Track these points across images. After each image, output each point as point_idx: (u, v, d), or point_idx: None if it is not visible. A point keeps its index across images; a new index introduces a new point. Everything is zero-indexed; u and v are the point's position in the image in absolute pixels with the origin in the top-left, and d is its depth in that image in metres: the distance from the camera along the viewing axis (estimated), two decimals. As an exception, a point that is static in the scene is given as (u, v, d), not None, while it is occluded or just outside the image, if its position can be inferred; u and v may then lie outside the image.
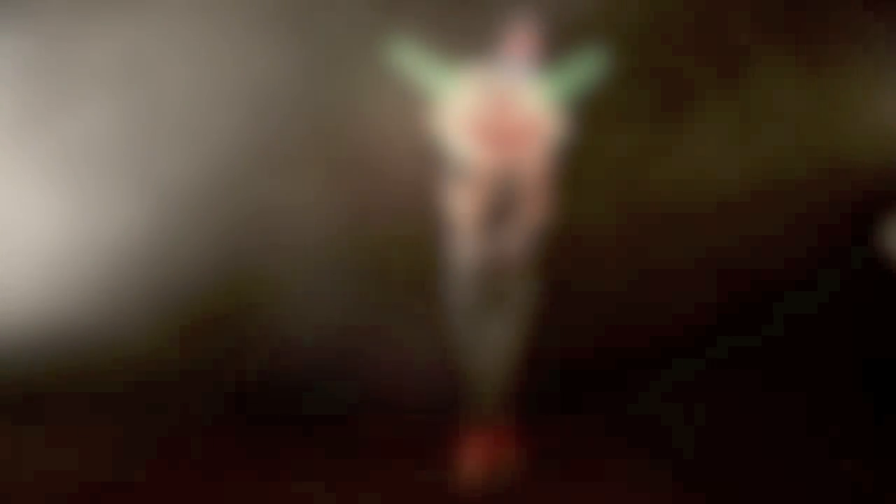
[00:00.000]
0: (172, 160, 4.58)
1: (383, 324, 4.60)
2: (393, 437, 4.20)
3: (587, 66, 3.17)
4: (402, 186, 3.93)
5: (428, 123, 3.05)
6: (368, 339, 4.61)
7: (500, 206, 3.14)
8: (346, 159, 4.62)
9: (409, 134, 4.32)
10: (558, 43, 3.10)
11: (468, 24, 4.58)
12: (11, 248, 4.57)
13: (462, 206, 3.15)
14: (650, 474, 3.68)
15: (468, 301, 3.19)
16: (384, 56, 3.01)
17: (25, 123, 4.53)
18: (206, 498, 3.39)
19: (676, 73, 4.61)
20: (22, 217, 4.56)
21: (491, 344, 3.24)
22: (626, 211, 4.75)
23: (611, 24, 4.30)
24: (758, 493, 3.44)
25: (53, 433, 4.22)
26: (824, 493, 3.43)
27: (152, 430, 4.38)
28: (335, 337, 4.62)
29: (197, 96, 4.57)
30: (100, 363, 4.57)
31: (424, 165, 3.19)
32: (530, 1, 3.09)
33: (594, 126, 4.70)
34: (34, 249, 4.57)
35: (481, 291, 3.17)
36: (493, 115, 2.95)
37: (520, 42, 3.06)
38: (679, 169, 4.72)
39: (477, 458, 3.24)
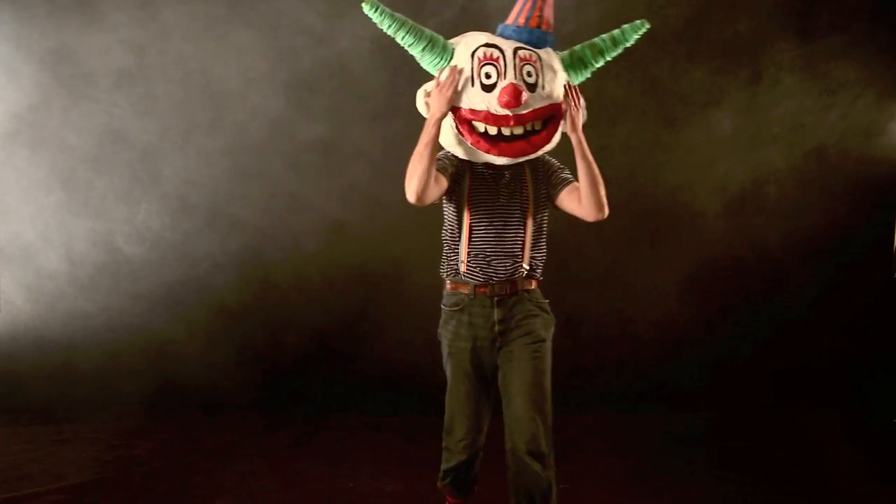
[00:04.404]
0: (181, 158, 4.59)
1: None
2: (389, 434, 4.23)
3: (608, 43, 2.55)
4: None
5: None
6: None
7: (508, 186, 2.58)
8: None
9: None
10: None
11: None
12: (26, 247, 4.58)
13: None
14: (649, 474, 3.68)
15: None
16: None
17: (36, 122, 4.53)
18: (220, 481, 3.41)
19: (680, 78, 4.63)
20: (35, 216, 4.58)
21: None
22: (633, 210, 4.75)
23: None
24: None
25: (73, 426, 4.25)
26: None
27: (170, 418, 4.43)
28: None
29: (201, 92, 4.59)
30: (120, 357, 4.59)
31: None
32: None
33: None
34: (48, 248, 4.58)
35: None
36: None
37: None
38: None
39: None
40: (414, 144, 2.46)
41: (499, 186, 2.59)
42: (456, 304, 2.60)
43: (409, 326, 4.61)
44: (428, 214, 4.37)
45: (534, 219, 2.61)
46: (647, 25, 2.57)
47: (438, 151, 2.53)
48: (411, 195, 2.44)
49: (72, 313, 4.61)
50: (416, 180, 2.42)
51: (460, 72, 2.45)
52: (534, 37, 2.50)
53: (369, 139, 4.61)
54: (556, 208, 2.65)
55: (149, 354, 4.61)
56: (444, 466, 2.67)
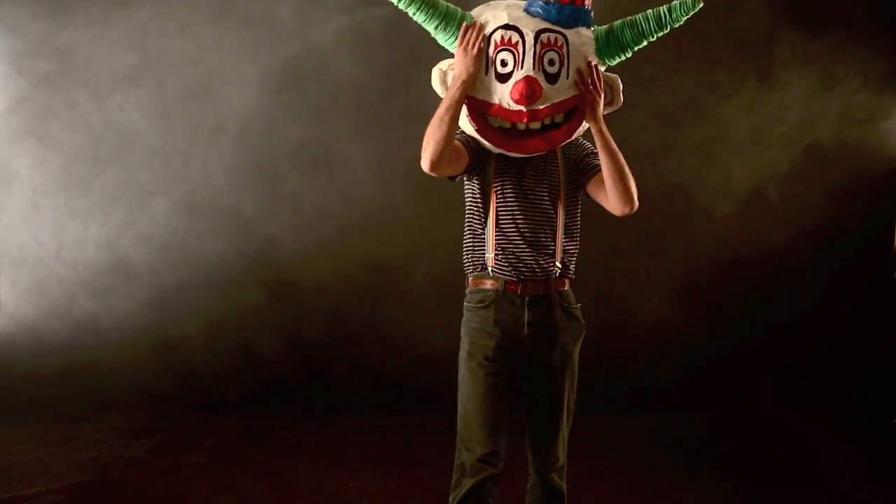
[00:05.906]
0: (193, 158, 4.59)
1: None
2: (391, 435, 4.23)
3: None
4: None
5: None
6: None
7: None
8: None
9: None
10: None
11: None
12: (28, 248, 4.58)
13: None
14: (648, 474, 3.68)
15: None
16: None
17: (48, 120, 4.52)
18: (220, 481, 3.42)
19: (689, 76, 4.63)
20: (38, 218, 4.57)
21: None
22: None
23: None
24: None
25: (73, 426, 4.26)
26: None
27: (170, 418, 4.43)
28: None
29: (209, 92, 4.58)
30: (119, 358, 4.59)
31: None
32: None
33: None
34: (50, 249, 4.58)
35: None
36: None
37: None
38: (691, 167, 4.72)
39: None
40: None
41: (525, 169, 2.37)
42: (482, 301, 2.37)
43: (411, 327, 4.60)
44: (433, 217, 4.44)
45: (565, 207, 2.39)
46: (701, 4, 2.28)
47: (461, 133, 2.35)
48: (425, 163, 2.23)
49: (72, 313, 4.60)
50: (432, 147, 2.20)
51: (482, 27, 2.23)
52: (563, 15, 2.22)
53: (363, 141, 4.59)
54: (588, 197, 2.44)
55: (148, 354, 4.61)
56: (458, 495, 2.33)
